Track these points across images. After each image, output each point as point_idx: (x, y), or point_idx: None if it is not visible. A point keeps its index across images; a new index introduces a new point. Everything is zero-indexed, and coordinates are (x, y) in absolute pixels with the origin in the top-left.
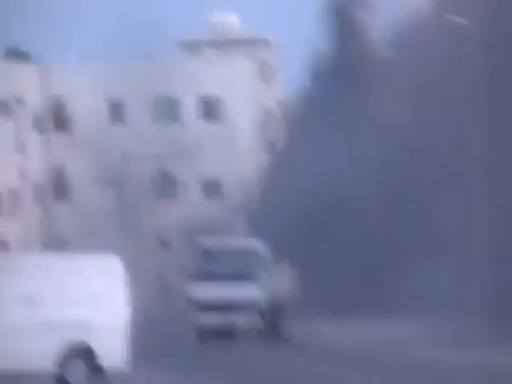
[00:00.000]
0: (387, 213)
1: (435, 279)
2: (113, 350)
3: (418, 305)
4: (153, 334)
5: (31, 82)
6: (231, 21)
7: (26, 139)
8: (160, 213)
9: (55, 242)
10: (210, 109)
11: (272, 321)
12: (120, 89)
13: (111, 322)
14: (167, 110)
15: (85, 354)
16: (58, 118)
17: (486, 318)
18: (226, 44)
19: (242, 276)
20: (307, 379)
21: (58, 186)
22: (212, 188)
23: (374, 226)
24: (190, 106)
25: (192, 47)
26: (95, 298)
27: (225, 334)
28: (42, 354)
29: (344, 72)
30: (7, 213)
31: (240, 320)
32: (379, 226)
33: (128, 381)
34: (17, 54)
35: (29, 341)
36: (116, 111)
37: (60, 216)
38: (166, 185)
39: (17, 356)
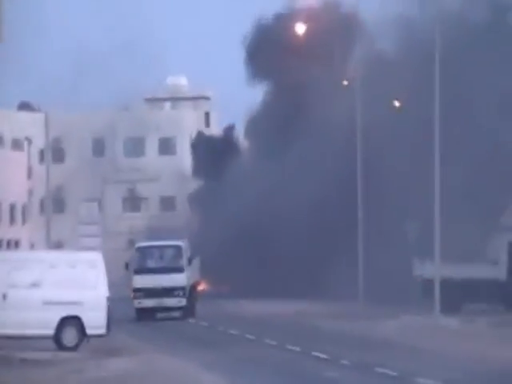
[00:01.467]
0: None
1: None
2: (96, 321)
3: (315, 292)
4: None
5: (37, 125)
6: (182, 82)
7: (34, 167)
8: (130, 220)
9: (54, 243)
10: (166, 146)
11: (190, 300)
12: (101, 130)
13: (95, 301)
14: (136, 147)
15: (76, 323)
16: (56, 152)
17: (363, 301)
18: (178, 99)
19: (172, 268)
20: (209, 335)
21: (57, 201)
22: (167, 202)
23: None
24: (152, 144)
25: (154, 102)
26: (84, 283)
27: (158, 312)
28: (45, 323)
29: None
30: (20, 221)
31: (171, 302)
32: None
33: (105, 341)
34: (27, 105)
35: (35, 314)
36: (99, 147)
37: (58, 224)
38: (134, 200)
39: (26, 324)
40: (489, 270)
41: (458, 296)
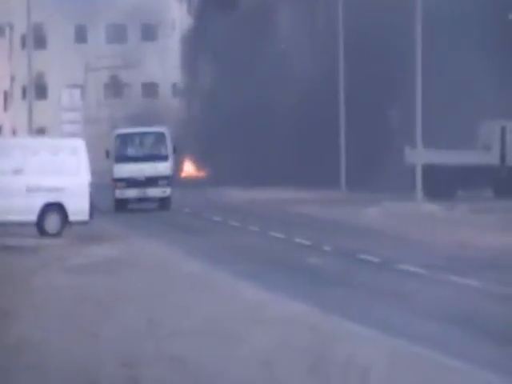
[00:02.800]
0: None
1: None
2: (78, 207)
3: (299, 180)
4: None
5: (19, 11)
6: None
7: (16, 53)
8: (112, 107)
9: (36, 129)
10: (149, 31)
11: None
12: (84, 17)
13: (78, 188)
14: (118, 34)
15: (58, 210)
16: (38, 38)
17: (344, 190)
18: None
19: (156, 156)
20: (192, 222)
21: (39, 88)
22: (149, 89)
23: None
24: (135, 31)
25: None
26: (66, 169)
27: (141, 202)
28: (28, 209)
29: None
30: (2, 107)
31: (155, 192)
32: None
33: (88, 228)
34: None
35: (18, 200)
36: (81, 33)
37: (40, 110)
38: (116, 87)
39: (9, 211)
40: (481, 156)
41: (450, 182)
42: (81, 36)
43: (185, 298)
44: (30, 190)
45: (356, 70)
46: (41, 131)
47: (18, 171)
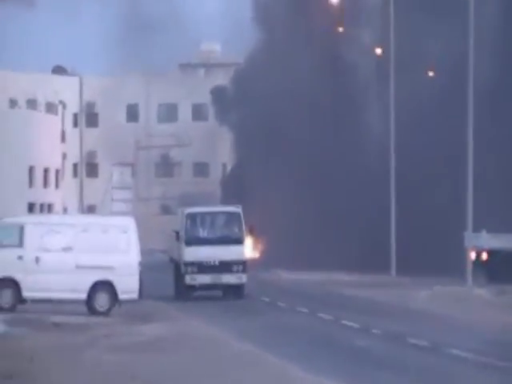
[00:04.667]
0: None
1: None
2: (128, 286)
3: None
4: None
5: (71, 89)
6: (216, 48)
7: (68, 132)
8: (163, 186)
9: (87, 207)
10: (199, 112)
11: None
12: (135, 95)
13: (127, 266)
14: (169, 112)
15: (108, 288)
16: (89, 117)
17: (394, 273)
18: (212, 65)
19: (230, 239)
20: (241, 302)
21: (90, 166)
22: (200, 168)
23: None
24: (185, 110)
25: (188, 67)
26: (116, 248)
27: (214, 289)
28: (77, 287)
29: None
30: (54, 184)
31: (230, 278)
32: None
33: (137, 306)
34: (61, 69)
35: (67, 278)
36: (132, 112)
37: (91, 188)
38: (167, 166)
39: (59, 288)
40: None
41: (508, 267)
42: (132, 114)
43: (234, 378)
44: (80, 267)
45: (406, 149)
46: (91, 209)
47: (68, 249)
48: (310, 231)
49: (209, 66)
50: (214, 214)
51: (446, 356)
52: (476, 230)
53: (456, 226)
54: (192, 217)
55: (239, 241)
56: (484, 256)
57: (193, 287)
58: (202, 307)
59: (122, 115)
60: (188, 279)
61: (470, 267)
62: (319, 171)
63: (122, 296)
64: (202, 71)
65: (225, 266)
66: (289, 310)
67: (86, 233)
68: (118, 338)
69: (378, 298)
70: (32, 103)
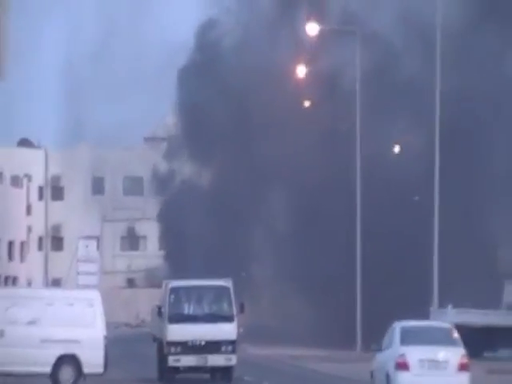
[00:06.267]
0: None
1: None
2: (93, 360)
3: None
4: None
5: (37, 162)
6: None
7: (33, 204)
8: (128, 259)
9: (52, 280)
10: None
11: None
12: (101, 168)
13: (92, 340)
14: (135, 185)
15: (73, 362)
16: (55, 189)
17: (359, 349)
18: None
19: (219, 317)
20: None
21: (55, 239)
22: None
23: None
24: (149, 183)
25: (153, 141)
26: (81, 321)
27: (200, 372)
28: (42, 361)
29: None
30: (19, 257)
31: (218, 360)
32: None
33: (101, 380)
34: (26, 142)
35: (32, 351)
36: (98, 185)
37: (56, 261)
38: (132, 239)
39: (24, 362)
40: (506, 317)
41: (475, 342)
42: (98, 188)
43: None
44: (45, 341)
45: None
46: (56, 282)
47: (32, 322)
48: (276, 308)
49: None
50: (201, 289)
51: None
52: (442, 304)
53: (422, 299)
54: (176, 291)
55: (229, 318)
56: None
57: (176, 369)
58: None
59: (87, 188)
60: (171, 360)
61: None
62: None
63: (86, 370)
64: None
65: (212, 346)
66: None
67: (52, 306)
68: None
69: (342, 372)
70: None
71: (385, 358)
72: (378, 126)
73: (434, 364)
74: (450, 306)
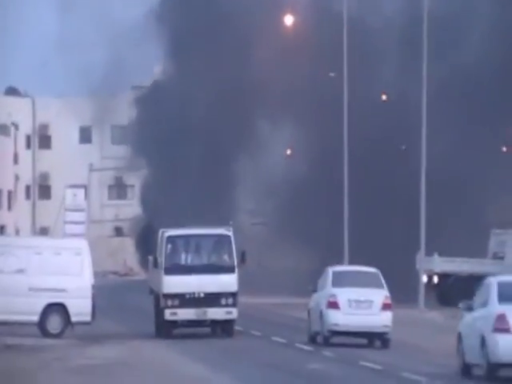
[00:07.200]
0: None
1: None
2: (80, 309)
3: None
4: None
5: (24, 111)
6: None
7: (20, 153)
8: (116, 208)
9: (40, 229)
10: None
11: None
12: (89, 117)
13: (80, 288)
14: (121, 134)
15: (60, 310)
16: (43, 138)
17: None
18: None
19: (220, 267)
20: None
21: (43, 188)
22: None
23: None
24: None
25: (141, 90)
26: (69, 270)
27: (199, 326)
28: (30, 309)
29: None
30: (6, 206)
31: (218, 313)
32: None
33: (89, 328)
34: (13, 90)
35: (20, 300)
36: (85, 134)
37: (44, 210)
38: (120, 188)
39: (12, 310)
40: (492, 266)
41: (460, 291)
42: (85, 137)
43: None
44: (33, 289)
45: (361, 176)
46: (44, 231)
47: (20, 271)
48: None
49: None
50: (199, 237)
51: (399, 378)
52: (427, 253)
53: (405, 248)
54: (173, 240)
55: (229, 269)
56: (435, 279)
57: (174, 323)
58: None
59: (75, 137)
60: (167, 314)
61: (422, 290)
62: None
63: (74, 318)
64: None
65: (212, 299)
66: (243, 333)
67: (39, 255)
68: (70, 360)
69: None
70: None
71: (319, 298)
72: (366, 74)
73: (361, 304)
74: (435, 255)
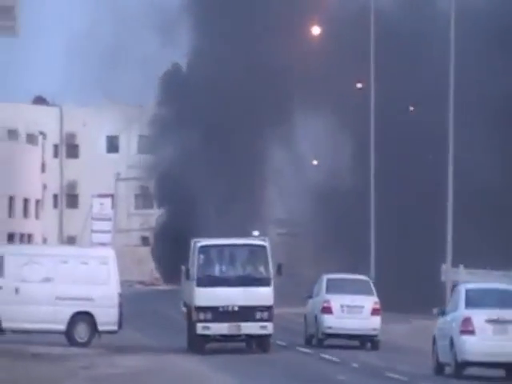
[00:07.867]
0: None
1: None
2: (107, 317)
3: None
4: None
5: (52, 120)
6: None
7: (48, 162)
8: (142, 217)
9: (67, 238)
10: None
11: None
12: (116, 126)
13: (107, 297)
14: (148, 143)
15: (87, 319)
16: (70, 147)
17: None
18: None
19: (254, 279)
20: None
21: (70, 197)
22: None
23: None
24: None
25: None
26: (96, 279)
27: (232, 341)
28: (57, 318)
29: None
30: (34, 215)
31: (252, 328)
32: None
33: (116, 338)
34: (41, 100)
35: (47, 309)
36: (112, 143)
37: (71, 219)
38: (146, 197)
39: (38, 319)
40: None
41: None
42: (112, 146)
43: None
44: (60, 298)
45: (386, 188)
46: (71, 240)
47: (47, 279)
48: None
49: None
50: (234, 248)
51: None
52: (453, 265)
53: (430, 260)
54: (206, 250)
55: (265, 282)
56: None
57: (206, 338)
58: (182, 337)
59: (102, 146)
60: (200, 328)
61: (448, 301)
62: None
63: (101, 327)
64: None
65: (246, 313)
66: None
67: (66, 264)
68: (96, 369)
69: None
70: (12, 134)
71: (314, 303)
72: (394, 85)
73: (352, 309)
74: (461, 266)
